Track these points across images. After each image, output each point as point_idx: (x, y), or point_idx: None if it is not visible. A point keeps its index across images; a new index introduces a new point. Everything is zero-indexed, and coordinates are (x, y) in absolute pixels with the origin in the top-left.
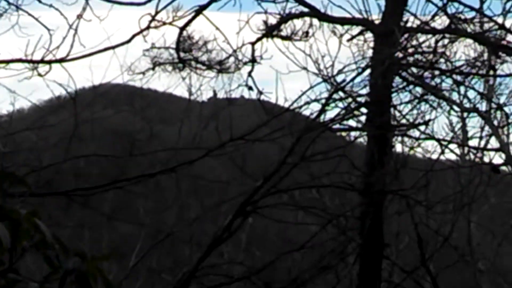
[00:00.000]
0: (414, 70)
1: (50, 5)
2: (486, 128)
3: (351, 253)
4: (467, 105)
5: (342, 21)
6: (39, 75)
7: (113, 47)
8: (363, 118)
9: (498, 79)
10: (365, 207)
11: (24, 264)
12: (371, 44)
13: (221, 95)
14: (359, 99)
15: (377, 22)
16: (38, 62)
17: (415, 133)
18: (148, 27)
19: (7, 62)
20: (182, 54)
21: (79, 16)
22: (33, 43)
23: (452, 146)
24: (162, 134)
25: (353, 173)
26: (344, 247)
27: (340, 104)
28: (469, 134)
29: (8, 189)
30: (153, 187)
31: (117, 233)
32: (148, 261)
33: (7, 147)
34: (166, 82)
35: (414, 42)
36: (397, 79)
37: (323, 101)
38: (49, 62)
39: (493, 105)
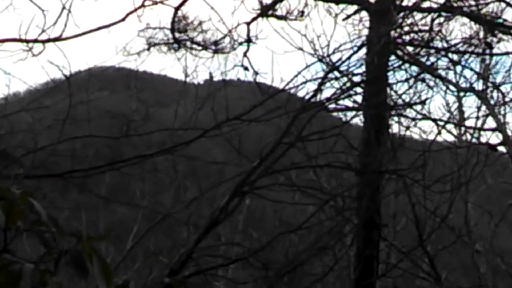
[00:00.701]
0: (410, 48)
1: None
2: (483, 107)
3: (348, 233)
4: (464, 85)
5: (338, 0)
6: (34, 55)
7: (107, 26)
8: (359, 98)
9: (495, 58)
10: (362, 187)
11: (21, 246)
12: (367, 23)
13: (217, 76)
14: (355, 78)
15: (372, 0)
16: (32, 41)
17: (412, 113)
18: (142, 5)
19: (1, 41)
20: (177, 35)
21: None
22: (27, 23)
23: (449, 126)
24: (158, 115)
25: (349, 153)
26: (341, 228)
27: (336, 84)
28: (466, 114)
29: (4, 170)
30: (150, 169)
31: (114, 215)
32: (145, 243)
33: (3, 129)
34: (161, 63)
35: (410, 21)
36: (393, 58)
37: (319, 80)
38: (43, 42)
39: (490, 85)
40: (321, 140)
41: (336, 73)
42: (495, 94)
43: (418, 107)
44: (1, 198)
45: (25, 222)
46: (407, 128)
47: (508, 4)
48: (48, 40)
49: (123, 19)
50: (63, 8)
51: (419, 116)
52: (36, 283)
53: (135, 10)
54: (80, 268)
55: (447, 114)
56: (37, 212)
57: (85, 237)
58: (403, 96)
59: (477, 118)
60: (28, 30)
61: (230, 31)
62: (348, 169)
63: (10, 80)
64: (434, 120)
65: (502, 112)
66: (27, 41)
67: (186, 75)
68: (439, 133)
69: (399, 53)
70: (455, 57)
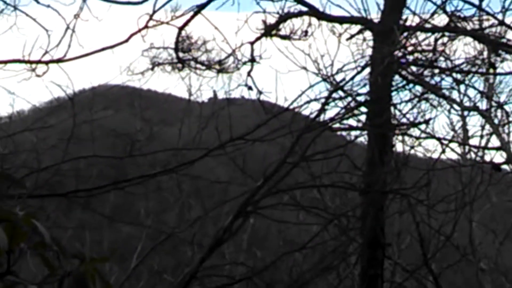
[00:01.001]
0: (414, 68)
1: (48, 6)
2: (487, 126)
3: (353, 253)
4: (467, 104)
5: (341, 20)
6: (37, 75)
7: (111, 47)
8: (363, 117)
9: (498, 77)
10: (366, 207)
11: (25, 265)
12: (370, 43)
13: (221, 95)
14: (359, 98)
15: (376, 20)
16: (36, 62)
17: (416, 132)
18: (146, 27)
19: (5, 62)
20: (181, 54)
21: (76, 16)
22: (30, 43)
23: (453, 145)
24: (162, 134)
25: (353, 172)
26: (346, 247)
27: (340, 103)
28: (470, 133)
29: (7, 190)
30: (154, 188)
31: (118, 234)
32: (149, 262)
33: (7, 148)
34: (165, 82)
35: (414, 41)
36: (397, 78)
37: (323, 100)
38: (47, 63)
39: (494, 104)
40: (325, 160)
41: (340, 93)
42: (499, 113)
43: (422, 126)
44: (4, 220)
45: (28, 243)
46: (412, 147)
47: (509, 27)
48: (52, 61)
49: (126, 40)
50: (67, 28)
51: (423, 135)
52: None
53: (139, 31)
54: None
55: (451, 133)
56: (40, 234)
57: (88, 258)
58: (407, 115)
59: (481, 136)
60: (32, 50)
61: (234, 50)
62: (352, 189)
63: (14, 99)
64: (438, 139)
65: (506, 131)
66: (30, 62)
67: (190, 94)
68: (443, 151)
69: (403, 72)
70: (459, 76)
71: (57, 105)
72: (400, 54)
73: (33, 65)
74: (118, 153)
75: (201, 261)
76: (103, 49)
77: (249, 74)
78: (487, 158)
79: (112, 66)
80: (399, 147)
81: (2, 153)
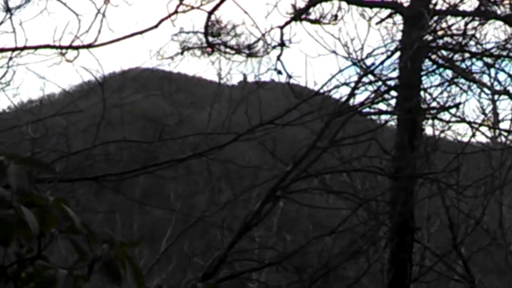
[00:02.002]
0: (444, 52)
1: None
2: None
3: (382, 237)
4: (498, 88)
5: (371, 4)
6: (68, 61)
7: (141, 32)
8: (393, 102)
9: None
10: (396, 191)
11: (56, 250)
12: (400, 27)
13: (250, 78)
14: (388, 82)
15: (406, 4)
16: (66, 48)
17: (446, 116)
18: (175, 12)
19: (36, 48)
20: (210, 39)
21: (107, 1)
22: (61, 28)
23: (483, 128)
24: (192, 118)
25: (383, 157)
26: (375, 232)
27: (370, 88)
28: (500, 117)
29: (38, 175)
30: (184, 172)
31: (148, 217)
32: (179, 245)
33: (37, 132)
34: (195, 66)
35: (444, 25)
36: (427, 62)
37: (353, 84)
38: (77, 48)
39: None
40: (354, 144)
41: (370, 77)
42: None
43: (453, 110)
44: (35, 205)
45: (59, 228)
46: (441, 131)
47: None
48: (82, 47)
49: (156, 26)
50: (98, 12)
51: (453, 119)
52: None
53: (169, 16)
54: (113, 274)
55: (482, 116)
56: (70, 219)
57: (118, 243)
58: (437, 99)
59: None
60: (63, 35)
61: (263, 35)
62: (381, 174)
63: (44, 84)
64: (469, 123)
65: None
66: (61, 47)
67: (220, 78)
68: (473, 135)
69: (433, 57)
70: (489, 60)
71: (87, 89)
72: (430, 38)
73: (64, 50)
74: (149, 137)
75: (230, 246)
76: (133, 34)
77: (278, 58)
78: None
79: (142, 50)
80: (429, 131)
81: (33, 137)
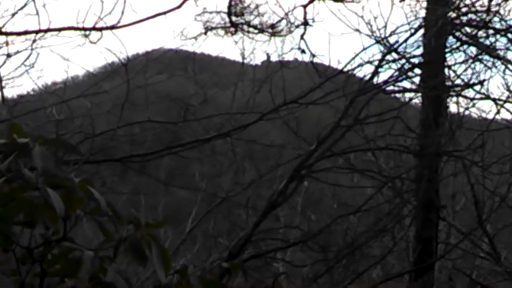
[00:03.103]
0: (468, 29)
1: None
2: None
3: (407, 215)
4: None
5: None
6: (91, 42)
7: (163, 13)
8: (417, 79)
9: None
10: (421, 169)
11: (82, 231)
12: (424, 4)
13: (274, 58)
14: (412, 60)
15: None
16: (89, 29)
17: (470, 93)
18: None
19: (59, 30)
20: (234, 18)
21: None
22: (84, 9)
23: (508, 105)
24: (216, 98)
25: (408, 135)
26: (400, 210)
27: (394, 66)
28: None
29: (63, 156)
30: (208, 152)
31: (173, 197)
32: (204, 225)
33: (62, 114)
34: (218, 46)
35: (467, 1)
36: (451, 39)
37: (376, 63)
38: (101, 29)
39: None
40: (378, 122)
41: (394, 55)
42: None
43: (477, 87)
44: (60, 187)
45: (84, 210)
46: (466, 108)
47: None
48: (105, 28)
49: (179, 6)
50: None
51: (478, 96)
52: (96, 270)
53: None
54: (139, 255)
55: (506, 93)
56: (96, 200)
57: (144, 224)
58: (462, 77)
59: None
60: (86, 17)
61: (286, 14)
62: (406, 151)
63: (68, 65)
64: (494, 100)
65: None
66: (84, 29)
67: (244, 57)
68: (498, 112)
69: (457, 34)
70: None
71: (111, 70)
72: (454, 15)
73: (87, 32)
74: (173, 118)
75: (255, 226)
76: (156, 15)
77: (302, 37)
78: None
79: (166, 30)
80: (453, 109)
81: (57, 119)
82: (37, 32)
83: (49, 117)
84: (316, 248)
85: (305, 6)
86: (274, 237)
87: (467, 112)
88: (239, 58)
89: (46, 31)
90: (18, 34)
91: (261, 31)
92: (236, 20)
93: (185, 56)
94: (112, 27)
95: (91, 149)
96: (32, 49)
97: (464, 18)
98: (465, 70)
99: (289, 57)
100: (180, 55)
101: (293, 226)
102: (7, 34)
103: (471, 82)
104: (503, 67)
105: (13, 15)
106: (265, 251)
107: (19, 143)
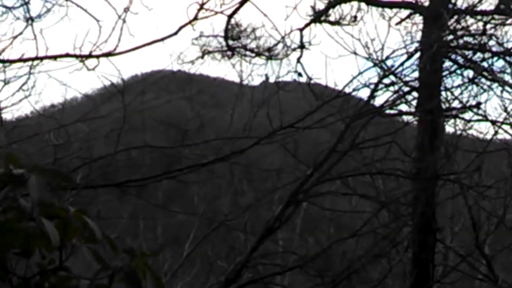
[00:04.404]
0: (465, 52)
1: None
2: None
3: (404, 238)
4: None
5: (391, 4)
6: (88, 69)
7: (161, 40)
8: (414, 102)
9: None
10: (417, 192)
11: (81, 257)
12: (420, 27)
13: (272, 79)
14: (409, 83)
15: (425, 4)
16: (86, 56)
17: (467, 114)
18: (195, 18)
19: (56, 57)
20: (230, 42)
21: (126, 9)
22: (81, 35)
23: (506, 127)
24: (214, 120)
25: (404, 158)
26: (397, 233)
27: (391, 89)
28: None
29: (59, 184)
30: (207, 175)
31: (172, 219)
32: (203, 248)
33: (60, 138)
34: (216, 69)
35: (463, 24)
36: (447, 62)
37: (373, 86)
38: (98, 57)
39: None
40: (375, 147)
41: (391, 78)
42: None
43: (474, 109)
44: (56, 217)
45: (80, 239)
46: (463, 130)
47: None
48: (102, 55)
49: (176, 33)
50: (118, 18)
51: (475, 118)
52: None
53: (189, 22)
54: (134, 285)
55: (504, 114)
56: (91, 230)
57: (139, 253)
58: (458, 98)
59: None
60: (83, 43)
61: (283, 37)
62: (402, 176)
63: (66, 89)
64: (491, 121)
65: None
66: (81, 56)
67: (242, 80)
68: (496, 133)
69: (454, 56)
70: (510, 59)
71: (109, 93)
72: (450, 38)
73: (84, 59)
74: (171, 141)
75: (252, 250)
76: (153, 42)
77: (298, 60)
78: None
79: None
80: (450, 130)
81: (55, 144)
82: (33, 59)
83: (47, 141)
84: (314, 272)
85: (301, 30)
86: (272, 262)
87: (464, 134)
88: (237, 79)
89: (43, 58)
90: (16, 61)
91: (258, 54)
92: (233, 44)
93: (183, 78)
94: (108, 54)
95: (89, 174)
96: (30, 74)
97: (460, 41)
98: (461, 93)
99: (287, 78)
100: (179, 76)
101: (291, 252)
102: (4, 62)
103: (468, 104)
104: (500, 88)
105: (11, 41)
106: (263, 276)
107: (15, 174)
